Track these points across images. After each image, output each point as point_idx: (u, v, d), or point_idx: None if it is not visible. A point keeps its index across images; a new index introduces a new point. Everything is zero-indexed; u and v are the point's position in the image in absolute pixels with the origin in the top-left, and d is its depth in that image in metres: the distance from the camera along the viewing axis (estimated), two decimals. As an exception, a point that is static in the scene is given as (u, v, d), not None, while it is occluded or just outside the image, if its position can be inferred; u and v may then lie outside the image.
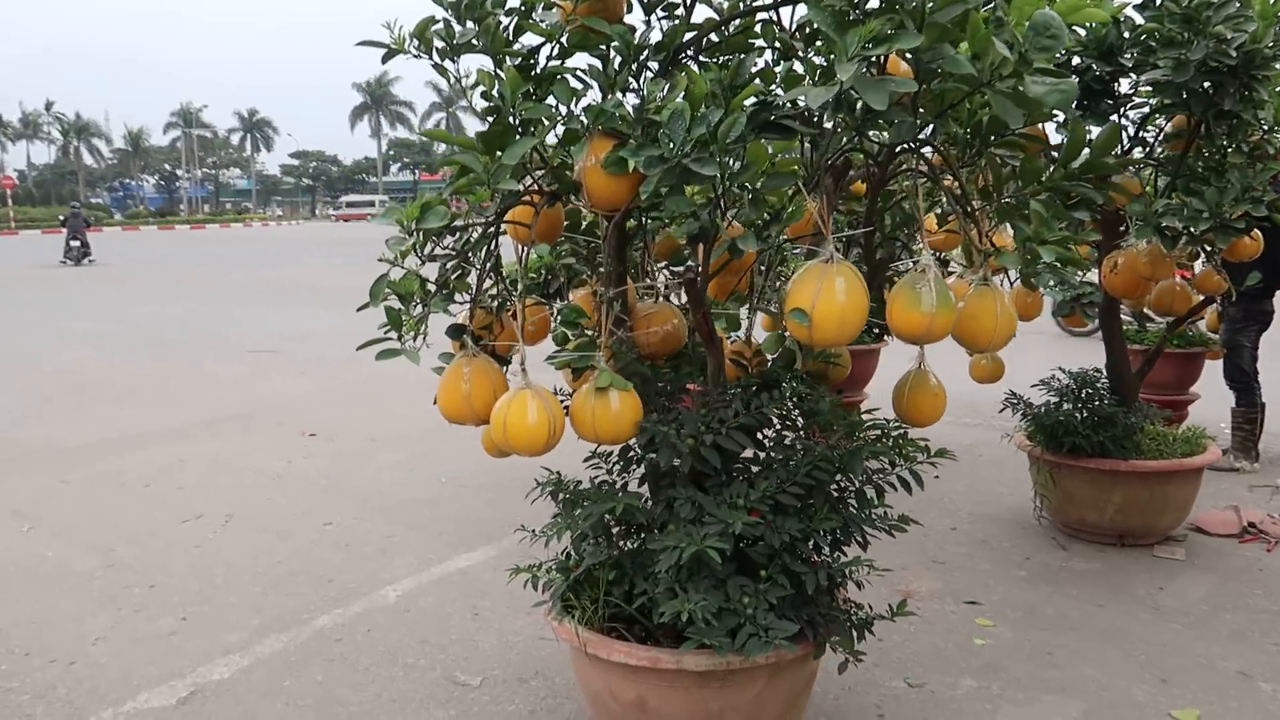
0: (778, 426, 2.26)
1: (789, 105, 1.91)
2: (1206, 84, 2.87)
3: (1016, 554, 3.87)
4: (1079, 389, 3.92)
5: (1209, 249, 3.35)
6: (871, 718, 2.63)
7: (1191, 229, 2.90)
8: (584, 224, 2.64)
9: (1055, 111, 1.83)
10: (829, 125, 1.90)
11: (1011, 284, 2.73)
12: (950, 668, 2.91)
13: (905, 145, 2.02)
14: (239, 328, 11.50)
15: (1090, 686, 2.79)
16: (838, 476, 2.14)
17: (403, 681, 2.87)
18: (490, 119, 1.98)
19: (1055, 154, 2.01)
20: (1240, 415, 5.18)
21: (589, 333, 2.23)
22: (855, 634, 2.22)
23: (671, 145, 1.82)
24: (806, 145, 2.17)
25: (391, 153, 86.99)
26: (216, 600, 3.49)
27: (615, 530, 2.34)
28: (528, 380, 2.01)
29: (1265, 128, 3.05)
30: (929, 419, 2.32)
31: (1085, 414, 3.84)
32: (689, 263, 2.22)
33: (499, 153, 1.93)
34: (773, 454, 2.21)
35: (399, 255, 1.90)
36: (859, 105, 1.68)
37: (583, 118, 2.01)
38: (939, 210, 2.31)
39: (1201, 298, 3.98)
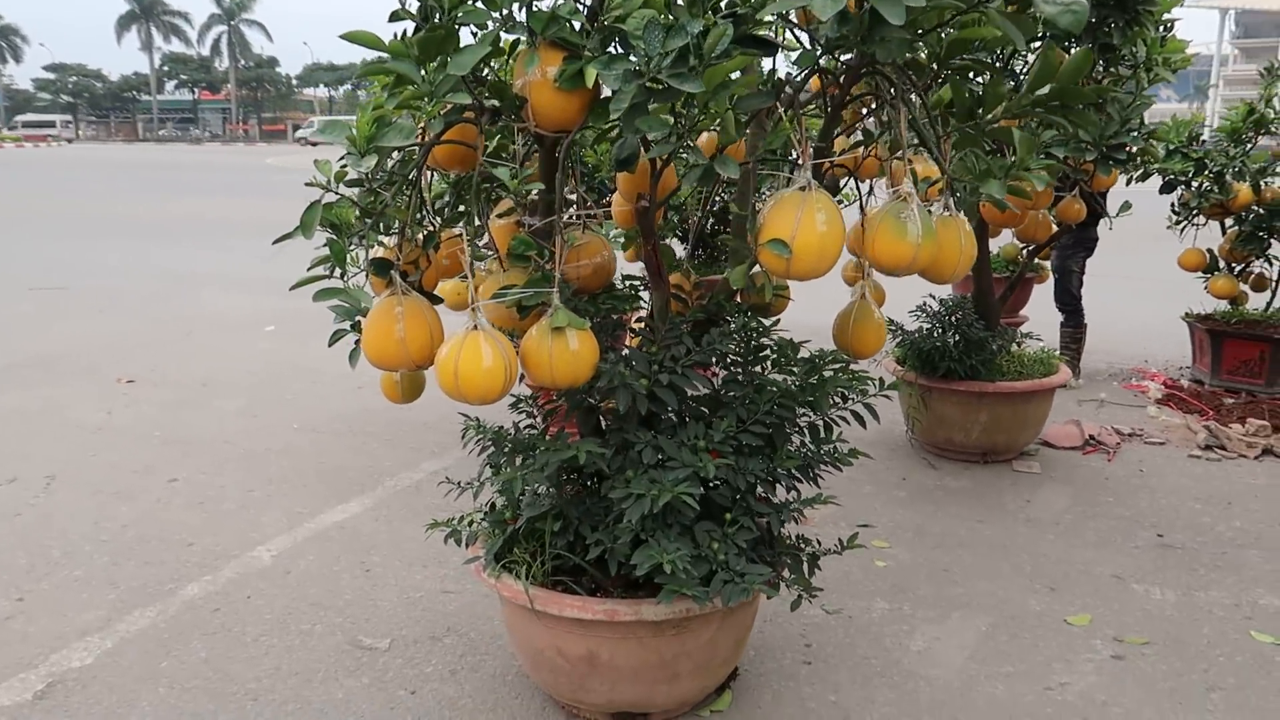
0: (728, 363, 2.17)
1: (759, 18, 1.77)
2: (1094, 18, 2.95)
3: (893, 476, 4.01)
4: (949, 315, 4.07)
5: (1084, 179, 3.51)
6: (799, 646, 2.64)
7: (1077, 159, 3.00)
8: (489, 147, 2.41)
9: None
10: (808, 43, 1.78)
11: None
12: (860, 591, 2.97)
13: (867, 67, 1.93)
14: (11, 261, 10.20)
15: (990, 600, 2.93)
16: (801, 413, 2.08)
17: (301, 651, 2.62)
18: (421, 23, 1.72)
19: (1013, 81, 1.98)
20: (1068, 335, 5.59)
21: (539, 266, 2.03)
22: (807, 570, 2.20)
23: (648, 58, 1.65)
24: (766, 63, 2.04)
25: (166, 68, 79.29)
26: (57, 576, 3.07)
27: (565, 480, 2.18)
28: (479, 320, 1.81)
29: (1137, 63, 3.19)
30: (872, 350, 2.29)
31: (957, 339, 3.99)
32: (639, 195, 2.05)
33: (441, 61, 1.68)
34: (727, 391, 2.11)
35: (331, 179, 1.63)
36: (865, 19, 1.57)
37: (527, 23, 1.79)
38: (884, 138, 2.25)
39: (1057, 227, 4.20)
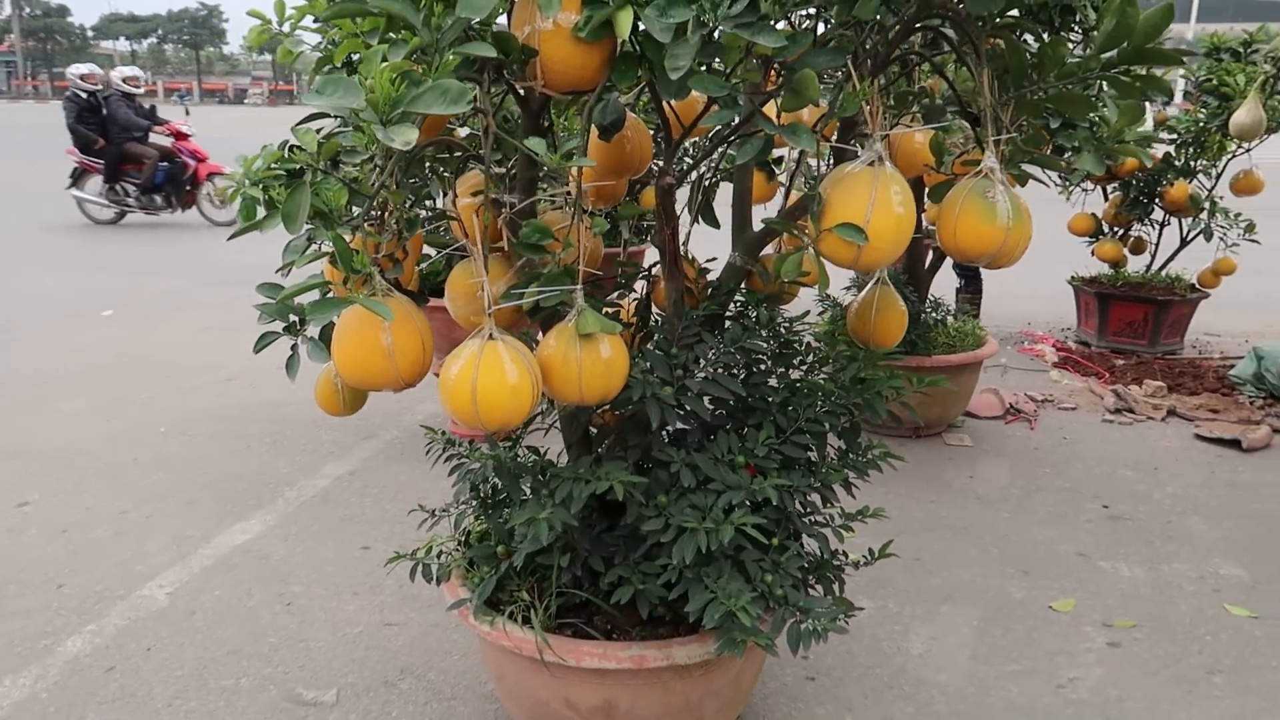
0: (753, 362, 1.90)
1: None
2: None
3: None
4: (882, 288, 3.93)
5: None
6: (797, 660, 2.43)
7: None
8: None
9: None
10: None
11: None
12: (839, 589, 2.79)
13: (925, 21, 1.68)
14: None
15: (970, 590, 2.81)
16: (840, 418, 1.84)
17: (229, 714, 2.20)
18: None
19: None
20: (966, 299, 5.63)
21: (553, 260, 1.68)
22: (839, 587, 1.98)
23: (711, 5, 1.34)
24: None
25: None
26: (-109, 639, 2.49)
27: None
28: (493, 327, 1.46)
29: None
30: (894, 340, 2.08)
31: (893, 313, 3.86)
32: (659, 165, 1.73)
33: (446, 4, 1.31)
34: (757, 396, 1.84)
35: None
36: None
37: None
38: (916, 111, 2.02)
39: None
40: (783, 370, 1.89)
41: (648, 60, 1.52)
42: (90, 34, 77.53)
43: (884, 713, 2.24)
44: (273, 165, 3.62)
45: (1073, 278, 5.80)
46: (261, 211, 1.33)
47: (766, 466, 1.73)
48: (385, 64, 1.13)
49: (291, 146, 1.30)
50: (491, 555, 1.91)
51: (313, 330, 1.86)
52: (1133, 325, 5.50)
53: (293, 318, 1.84)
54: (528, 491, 1.78)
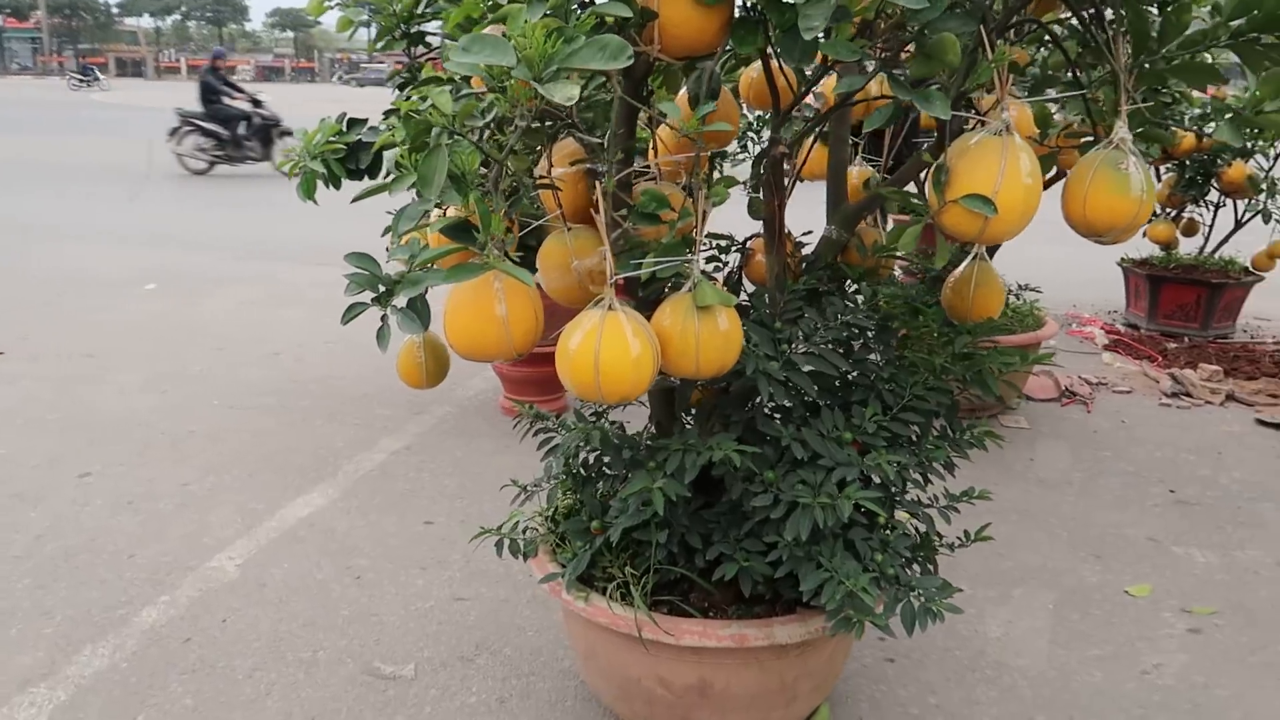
0: (854, 337, 1.86)
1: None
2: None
3: (889, 437, 3.83)
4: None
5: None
6: (875, 642, 2.41)
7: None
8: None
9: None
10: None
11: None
12: (910, 571, 2.76)
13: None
14: None
15: (1043, 574, 2.78)
16: (947, 395, 1.80)
17: (309, 687, 2.20)
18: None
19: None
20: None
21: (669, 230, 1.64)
22: (934, 569, 1.95)
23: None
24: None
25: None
26: (-32, 606, 2.50)
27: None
28: (614, 299, 1.43)
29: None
30: (993, 315, 2.03)
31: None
32: (772, 136, 1.69)
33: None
34: (861, 373, 1.81)
35: (473, 120, 1.20)
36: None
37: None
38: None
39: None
40: (883, 346, 1.85)
41: (767, 24, 1.49)
42: (115, 11, 77.69)
43: (967, 695, 2.22)
44: (330, 139, 3.52)
45: (1123, 259, 5.71)
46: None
47: (874, 443, 1.70)
48: (536, 19, 1.09)
49: (419, 110, 1.26)
50: (585, 530, 1.88)
51: (401, 301, 1.84)
52: (1184, 308, 5.42)
53: (382, 288, 1.82)
54: (626, 465, 1.75)
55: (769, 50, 1.64)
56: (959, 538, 1.97)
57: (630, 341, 1.40)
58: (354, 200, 1.52)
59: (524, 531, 2.05)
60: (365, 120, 3.31)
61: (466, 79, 1.41)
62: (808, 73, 1.78)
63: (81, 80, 41.12)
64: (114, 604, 2.51)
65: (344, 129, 3.34)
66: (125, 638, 2.37)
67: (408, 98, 1.42)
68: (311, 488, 3.25)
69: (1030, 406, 4.25)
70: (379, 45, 3.64)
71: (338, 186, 3.18)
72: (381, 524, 2.99)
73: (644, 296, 1.64)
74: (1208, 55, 1.73)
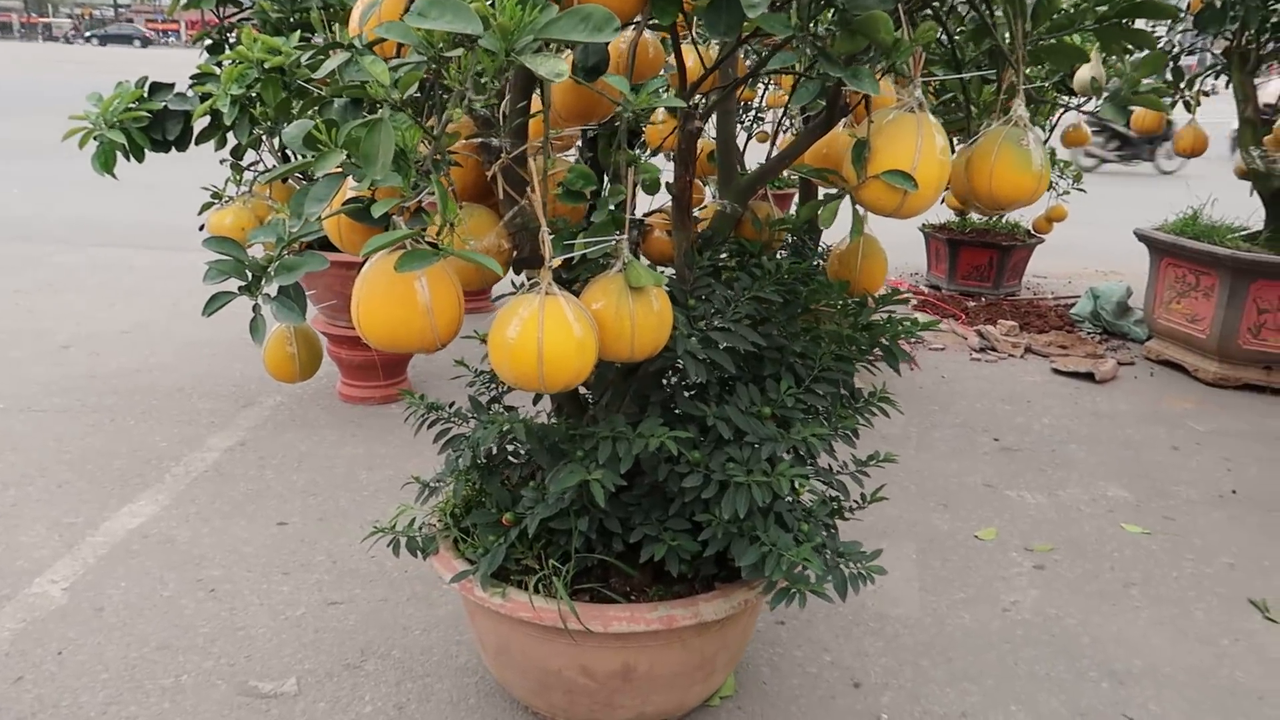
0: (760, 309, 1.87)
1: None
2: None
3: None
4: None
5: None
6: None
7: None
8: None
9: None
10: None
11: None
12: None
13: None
14: None
15: (902, 525, 2.94)
16: (854, 365, 1.84)
17: (178, 716, 1.99)
18: None
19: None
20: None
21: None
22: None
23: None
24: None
25: None
26: None
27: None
28: (550, 283, 1.35)
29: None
30: (878, 286, 2.09)
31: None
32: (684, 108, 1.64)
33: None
34: (772, 345, 1.81)
35: (391, 88, 1.07)
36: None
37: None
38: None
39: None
40: (788, 319, 1.87)
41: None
42: None
43: (857, 648, 2.31)
44: (130, 106, 3.17)
45: (924, 225, 6.10)
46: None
47: (792, 416, 1.72)
48: (494, -16, 0.99)
49: (360, 82, 1.13)
50: (495, 523, 1.80)
51: (273, 289, 1.68)
52: (979, 269, 5.87)
53: (250, 275, 1.64)
54: (580, 451, 1.67)
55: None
56: (855, 501, 2.03)
57: (573, 326, 1.33)
58: (268, 180, 1.35)
59: (419, 528, 1.94)
60: (171, 85, 2.99)
61: (370, 46, 1.28)
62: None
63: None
64: (-83, 648, 2.17)
65: (146, 94, 3.00)
66: (-61, 685, 2.05)
67: (218, 63, 1.27)
68: (137, 495, 2.93)
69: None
70: (182, 3, 3.29)
71: (140, 158, 2.86)
72: (229, 529, 2.75)
73: (567, 279, 1.57)
74: (1076, 37, 1.85)
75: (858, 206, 1.61)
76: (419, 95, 1.28)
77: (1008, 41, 1.76)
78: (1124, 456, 3.53)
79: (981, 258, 5.84)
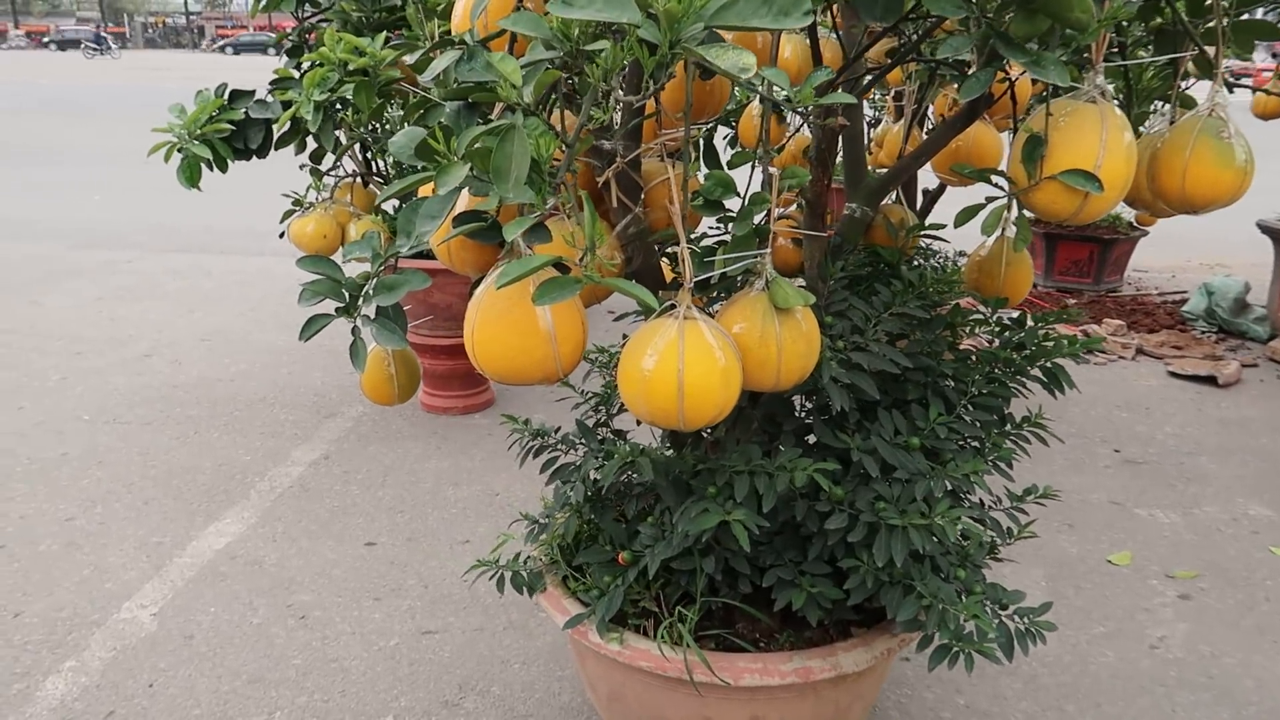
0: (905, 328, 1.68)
1: None
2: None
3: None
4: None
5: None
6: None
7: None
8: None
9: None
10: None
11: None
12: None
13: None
14: None
15: (1025, 548, 2.72)
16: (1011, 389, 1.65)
17: (273, 759, 1.88)
18: None
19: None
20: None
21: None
22: (980, 571, 1.81)
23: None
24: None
25: None
26: None
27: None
28: (690, 306, 1.19)
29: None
30: (1021, 297, 1.89)
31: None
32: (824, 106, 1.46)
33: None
34: (918, 367, 1.63)
35: (523, 92, 0.92)
36: None
37: None
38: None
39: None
40: (933, 337, 1.68)
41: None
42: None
43: (993, 690, 2.11)
44: (213, 115, 3.08)
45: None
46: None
47: (943, 448, 1.53)
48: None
49: (478, 83, 0.98)
50: (611, 561, 1.64)
51: (371, 309, 1.55)
52: (1079, 264, 5.57)
53: (347, 295, 1.51)
54: (675, 491, 1.52)
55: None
56: (993, 535, 1.84)
57: (717, 354, 1.17)
58: (382, 200, 1.21)
59: (524, 562, 1.79)
60: (251, 92, 2.90)
61: (482, 43, 1.13)
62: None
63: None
64: (6, 677, 2.10)
65: (226, 103, 2.92)
66: (30, 718, 1.98)
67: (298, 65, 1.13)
68: (223, 512, 2.85)
69: (958, 371, 4.24)
70: (261, 5, 3.19)
71: (224, 170, 2.77)
72: (316, 550, 2.65)
73: (702, 295, 1.41)
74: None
75: (1025, 210, 1.42)
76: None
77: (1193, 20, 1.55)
78: (1261, 469, 3.25)
79: (1081, 252, 5.53)
